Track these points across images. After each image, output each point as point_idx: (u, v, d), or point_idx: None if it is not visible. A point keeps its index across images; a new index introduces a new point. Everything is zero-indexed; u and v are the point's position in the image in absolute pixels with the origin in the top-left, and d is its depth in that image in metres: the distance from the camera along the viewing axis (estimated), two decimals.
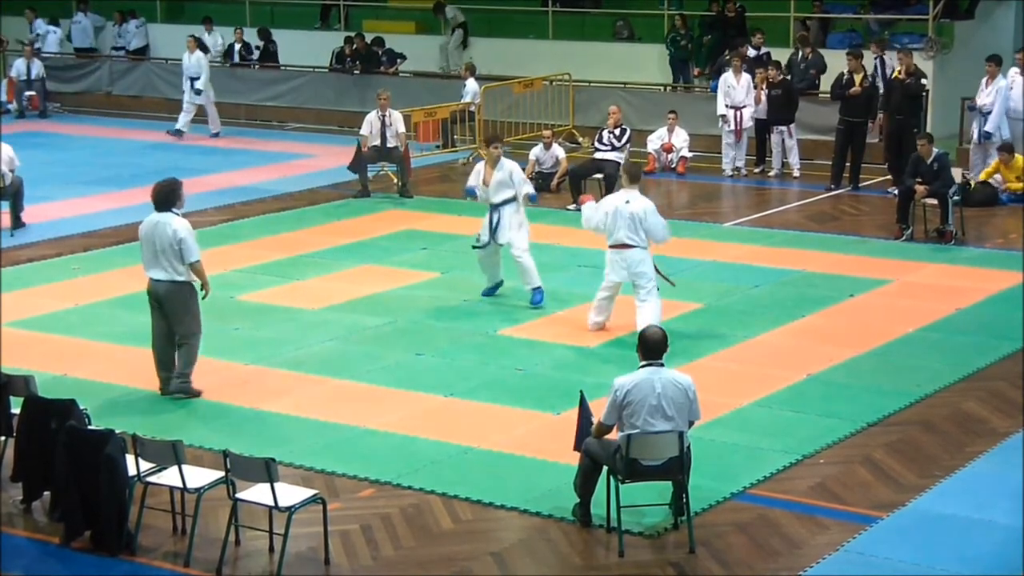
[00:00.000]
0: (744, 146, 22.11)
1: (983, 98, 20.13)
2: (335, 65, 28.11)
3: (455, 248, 17.28)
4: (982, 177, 19.64)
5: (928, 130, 19.99)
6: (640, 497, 9.62)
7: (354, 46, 27.56)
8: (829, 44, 24.82)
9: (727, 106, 21.83)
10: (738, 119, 21.78)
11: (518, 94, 24.74)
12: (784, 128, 21.63)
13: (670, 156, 22.40)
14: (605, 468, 9.45)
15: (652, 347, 9.37)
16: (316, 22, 30.97)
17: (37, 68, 28.91)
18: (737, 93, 21.81)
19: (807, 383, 12.53)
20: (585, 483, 9.60)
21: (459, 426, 11.57)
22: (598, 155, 20.17)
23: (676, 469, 9.33)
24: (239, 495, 9.18)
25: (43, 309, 15.01)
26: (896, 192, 19.16)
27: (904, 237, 17.66)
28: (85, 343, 13.95)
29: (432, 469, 10.70)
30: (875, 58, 21.60)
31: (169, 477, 9.45)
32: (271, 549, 9.33)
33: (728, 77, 21.99)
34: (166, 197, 12.10)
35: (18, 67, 28.91)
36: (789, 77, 22.04)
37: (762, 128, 22.00)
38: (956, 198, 17.76)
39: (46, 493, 10.07)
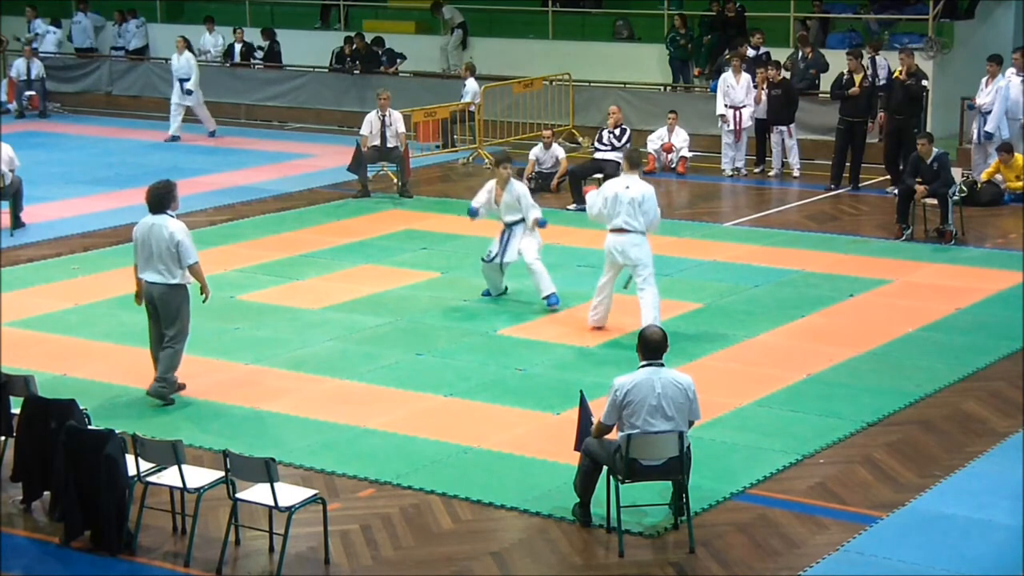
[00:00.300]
0: (744, 146, 22.11)
1: (983, 98, 20.13)
2: (335, 65, 28.11)
3: (455, 248, 17.28)
4: (984, 177, 19.64)
5: (928, 130, 20.00)
6: (640, 497, 9.62)
7: (354, 46, 27.55)
8: (829, 44, 24.83)
9: (726, 106, 21.83)
10: (737, 119, 21.78)
11: (518, 94, 24.73)
12: (784, 128, 21.63)
13: (670, 156, 22.40)
14: (605, 468, 9.45)
15: (652, 347, 9.37)
16: (316, 22, 30.98)
17: (37, 68, 28.91)
18: (736, 93, 21.82)
19: (807, 383, 12.52)
20: (585, 483, 9.60)
21: (459, 426, 11.57)
22: (598, 155, 20.18)
23: (676, 469, 9.33)
24: (239, 495, 9.18)
25: (43, 309, 15.01)
26: (895, 191, 19.20)
27: (904, 237, 17.66)
28: (85, 343, 13.95)
29: (432, 469, 10.70)
30: (868, 57, 21.58)
31: (169, 477, 9.44)
32: (271, 549, 9.33)
33: (728, 77, 22.00)
34: (161, 199, 11.98)
35: (18, 67, 28.92)
36: (789, 76, 22.05)
37: (762, 128, 22.00)
38: (956, 198, 17.77)
39: (46, 493, 10.07)
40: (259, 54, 29.07)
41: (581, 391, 10.06)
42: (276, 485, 8.96)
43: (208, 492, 9.34)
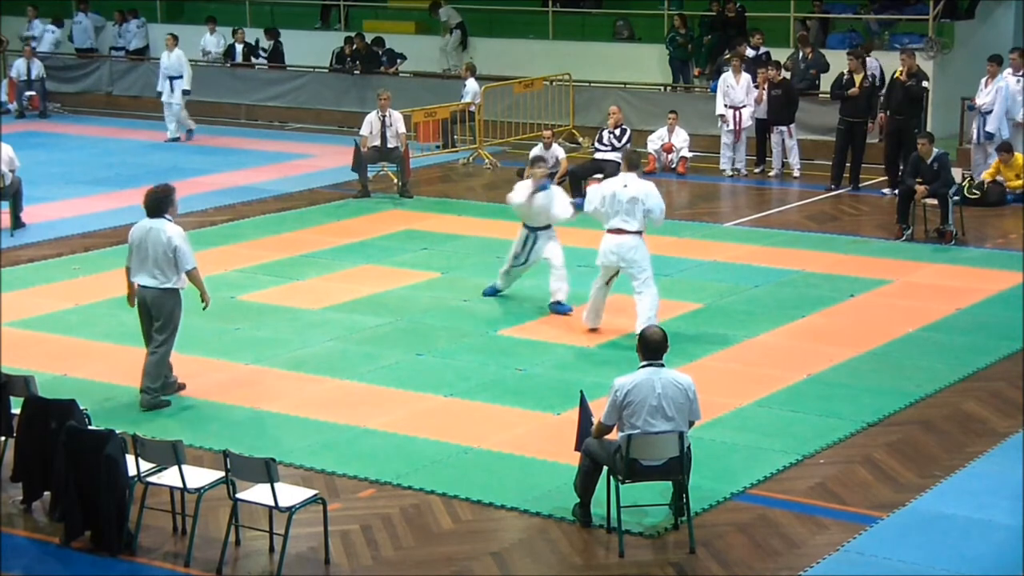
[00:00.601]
0: (744, 146, 22.11)
1: (983, 98, 20.14)
2: (335, 65, 28.11)
3: (455, 248, 17.29)
4: (986, 177, 19.64)
5: (928, 130, 19.99)
6: (640, 497, 9.62)
7: (354, 46, 27.55)
8: (829, 44, 24.82)
9: (726, 106, 21.83)
10: (737, 119, 21.78)
11: (518, 94, 24.74)
12: (784, 128, 21.63)
13: (670, 156, 22.40)
14: (605, 468, 9.45)
15: (652, 347, 9.36)
16: (316, 22, 30.98)
17: (37, 68, 28.92)
18: (736, 93, 21.82)
19: (807, 383, 12.52)
20: (585, 483, 9.60)
21: (459, 426, 11.57)
22: (598, 155, 20.19)
23: (676, 469, 9.32)
24: (239, 495, 9.18)
25: (43, 309, 15.01)
26: (890, 192, 19.18)
27: (904, 237, 17.66)
28: (85, 343, 13.95)
29: (432, 469, 10.70)
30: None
31: (169, 477, 9.44)
32: (271, 549, 9.34)
33: (728, 77, 22.00)
34: (159, 203, 11.87)
35: (18, 67, 28.92)
36: (789, 76, 22.05)
37: (762, 128, 22.01)
38: (956, 198, 17.78)
39: (46, 493, 10.07)
40: (263, 54, 29.07)
41: (581, 391, 10.06)
42: (276, 485, 8.96)
43: (208, 492, 9.34)
